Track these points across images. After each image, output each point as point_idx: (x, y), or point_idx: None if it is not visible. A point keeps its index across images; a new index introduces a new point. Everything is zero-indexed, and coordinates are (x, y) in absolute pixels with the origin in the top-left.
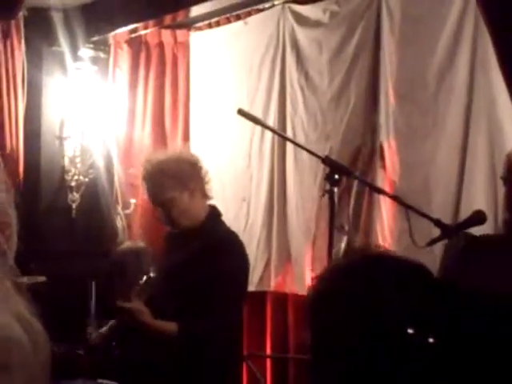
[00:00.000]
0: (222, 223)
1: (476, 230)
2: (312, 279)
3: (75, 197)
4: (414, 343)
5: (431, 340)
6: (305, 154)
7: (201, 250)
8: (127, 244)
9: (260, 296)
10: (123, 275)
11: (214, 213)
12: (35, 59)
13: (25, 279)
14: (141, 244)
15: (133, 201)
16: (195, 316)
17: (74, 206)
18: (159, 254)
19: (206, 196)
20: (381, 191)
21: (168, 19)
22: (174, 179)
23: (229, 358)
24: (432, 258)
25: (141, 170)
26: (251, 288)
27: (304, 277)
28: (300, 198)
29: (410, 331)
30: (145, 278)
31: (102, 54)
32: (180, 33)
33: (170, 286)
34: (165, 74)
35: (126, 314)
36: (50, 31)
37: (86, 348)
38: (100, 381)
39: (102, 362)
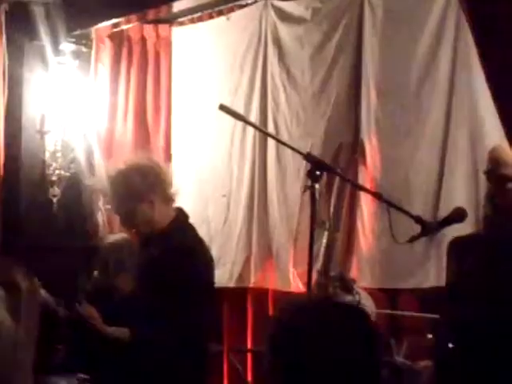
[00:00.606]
0: (187, 228)
1: (456, 227)
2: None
3: (56, 191)
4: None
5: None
6: (288, 150)
7: (158, 256)
8: (113, 237)
9: (241, 291)
10: (113, 268)
11: (179, 218)
12: (16, 53)
13: None
14: (124, 236)
15: None
16: (147, 321)
17: (54, 200)
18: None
19: (169, 200)
20: (362, 188)
21: (150, 14)
22: (128, 194)
23: (185, 361)
24: (412, 255)
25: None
26: (231, 284)
27: (287, 273)
28: (282, 194)
29: (430, 336)
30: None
31: (83, 49)
32: (162, 28)
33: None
34: (147, 68)
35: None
36: (31, 25)
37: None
38: (80, 375)
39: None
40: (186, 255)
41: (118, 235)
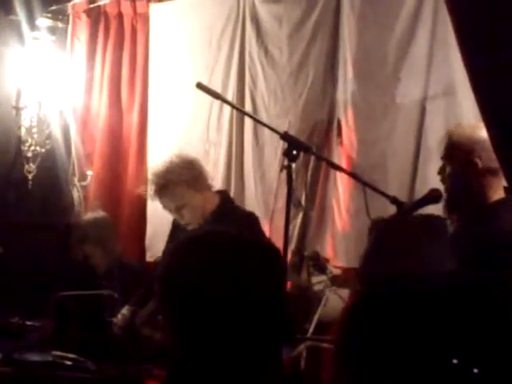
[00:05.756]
0: (236, 206)
1: (431, 208)
2: None
3: (31, 168)
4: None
5: (476, 371)
6: (265, 129)
7: None
8: (89, 215)
9: None
10: (87, 244)
11: (225, 199)
12: None
13: None
14: (102, 213)
15: (89, 172)
16: None
17: (30, 176)
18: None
19: (211, 187)
20: (338, 167)
21: None
22: (182, 185)
23: None
24: None
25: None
26: None
27: None
28: (259, 174)
29: (455, 361)
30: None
31: (60, 24)
32: (140, 4)
33: None
34: (123, 45)
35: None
36: (7, 0)
37: (111, 333)
38: (54, 352)
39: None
40: (251, 225)
41: (95, 212)
